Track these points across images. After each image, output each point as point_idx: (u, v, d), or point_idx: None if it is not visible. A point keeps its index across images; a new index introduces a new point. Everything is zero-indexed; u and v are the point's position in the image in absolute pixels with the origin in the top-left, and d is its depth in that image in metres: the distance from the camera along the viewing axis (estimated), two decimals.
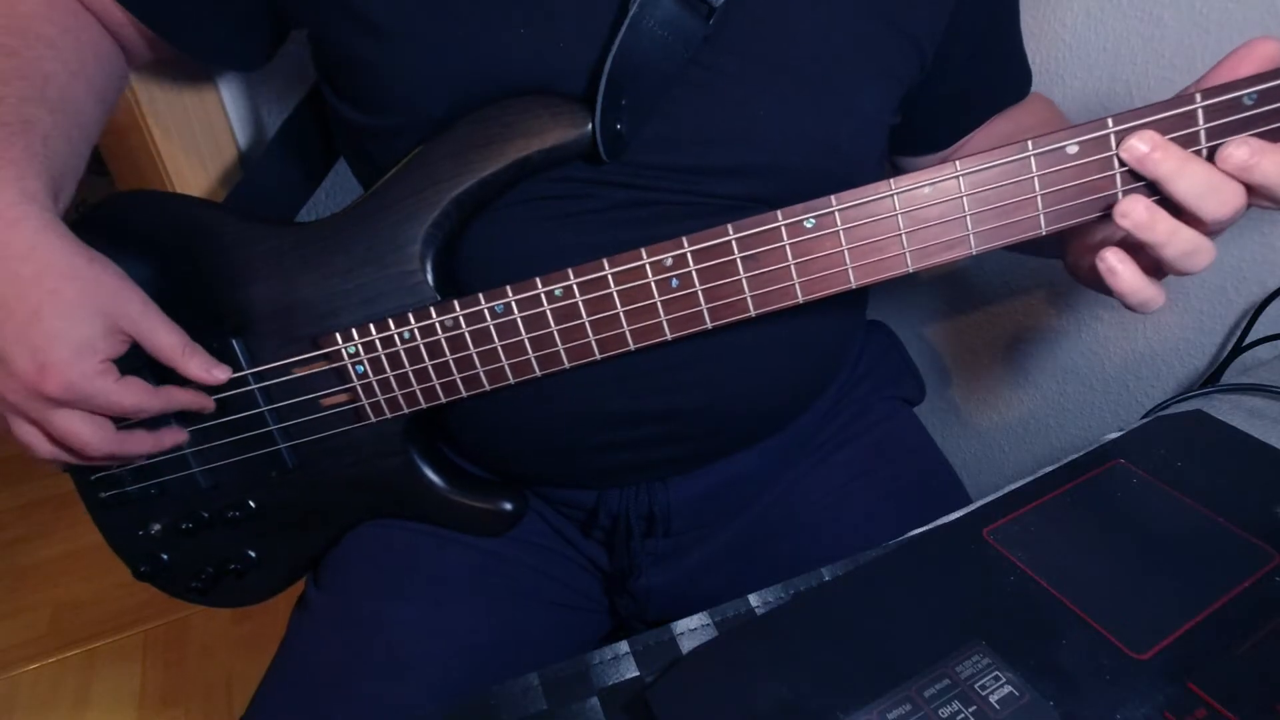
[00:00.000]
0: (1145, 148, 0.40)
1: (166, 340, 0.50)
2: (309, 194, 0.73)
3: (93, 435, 0.49)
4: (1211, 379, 0.67)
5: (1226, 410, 0.55)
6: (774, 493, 0.65)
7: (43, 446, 0.50)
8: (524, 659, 0.59)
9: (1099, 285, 0.45)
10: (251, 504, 0.58)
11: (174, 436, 0.54)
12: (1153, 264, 0.43)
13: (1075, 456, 0.51)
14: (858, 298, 0.46)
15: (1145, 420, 0.54)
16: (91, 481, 0.58)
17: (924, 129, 0.63)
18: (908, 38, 0.51)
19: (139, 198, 0.55)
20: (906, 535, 0.48)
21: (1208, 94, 0.40)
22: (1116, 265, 0.43)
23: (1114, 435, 0.53)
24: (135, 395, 0.49)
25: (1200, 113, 0.40)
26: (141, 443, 0.52)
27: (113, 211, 0.53)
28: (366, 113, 0.51)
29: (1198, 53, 0.60)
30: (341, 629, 0.58)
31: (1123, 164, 0.42)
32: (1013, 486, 0.50)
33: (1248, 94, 0.40)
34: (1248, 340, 0.63)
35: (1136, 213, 0.41)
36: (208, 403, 0.54)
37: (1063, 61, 0.69)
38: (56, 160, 0.49)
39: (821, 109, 0.50)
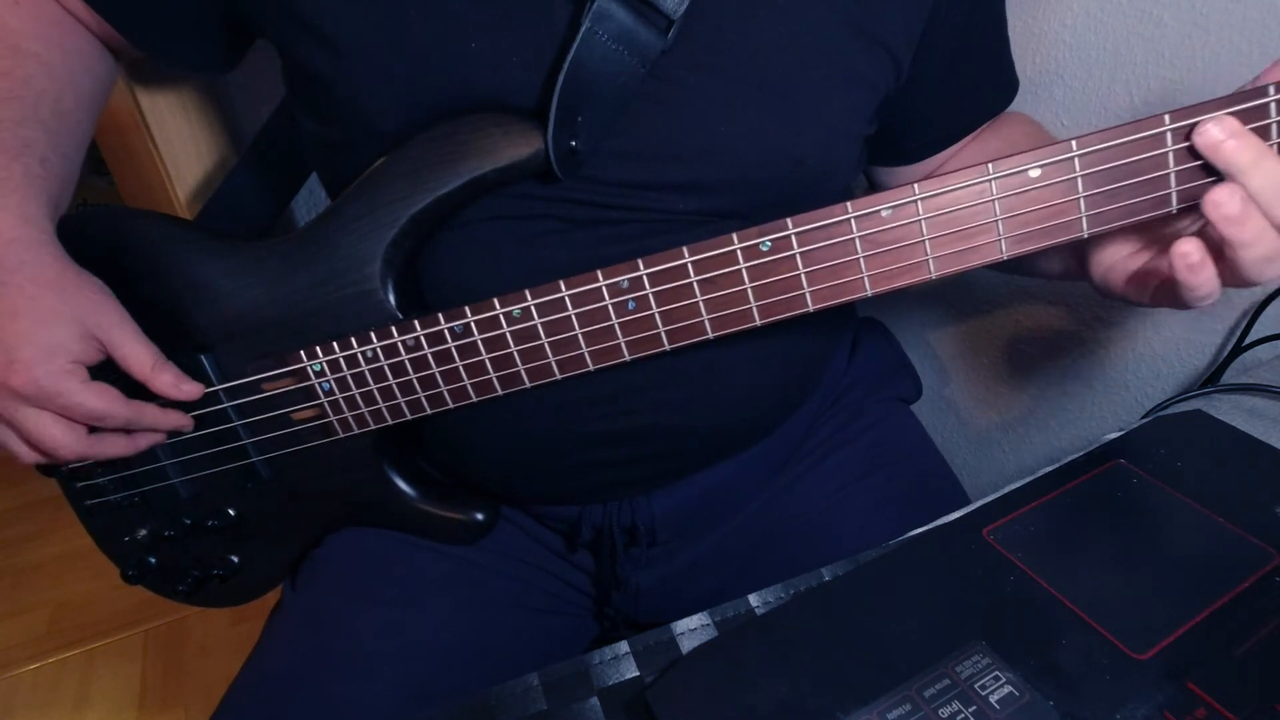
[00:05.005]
0: (1221, 135, 0.38)
1: (136, 352, 0.50)
2: (282, 207, 0.72)
3: (63, 436, 0.50)
4: (1211, 379, 0.67)
5: (1226, 410, 0.55)
6: (765, 497, 0.65)
7: (20, 448, 0.51)
8: (492, 663, 0.59)
9: (1139, 290, 0.44)
10: (231, 513, 0.59)
11: (149, 437, 0.54)
12: (1225, 271, 0.40)
13: (1075, 456, 0.51)
14: (836, 309, 0.46)
15: (1145, 420, 0.54)
16: (78, 489, 0.59)
17: (905, 140, 0.60)
18: (880, 44, 0.49)
19: (105, 214, 0.55)
20: (906, 535, 0.48)
21: (1176, 115, 0.39)
22: (1196, 256, 0.39)
23: (1114, 435, 0.53)
24: (103, 399, 0.49)
25: (1169, 135, 0.39)
26: (115, 445, 0.52)
27: (80, 228, 0.53)
28: (322, 124, 0.51)
29: (1198, 53, 0.60)
30: (311, 630, 0.58)
31: (1085, 188, 0.41)
32: (1013, 486, 0.50)
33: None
34: (1248, 340, 0.63)
35: (1230, 204, 0.37)
36: (185, 421, 0.54)
37: (1063, 61, 0.68)
38: (54, 178, 0.51)
39: (786, 121, 0.48)
